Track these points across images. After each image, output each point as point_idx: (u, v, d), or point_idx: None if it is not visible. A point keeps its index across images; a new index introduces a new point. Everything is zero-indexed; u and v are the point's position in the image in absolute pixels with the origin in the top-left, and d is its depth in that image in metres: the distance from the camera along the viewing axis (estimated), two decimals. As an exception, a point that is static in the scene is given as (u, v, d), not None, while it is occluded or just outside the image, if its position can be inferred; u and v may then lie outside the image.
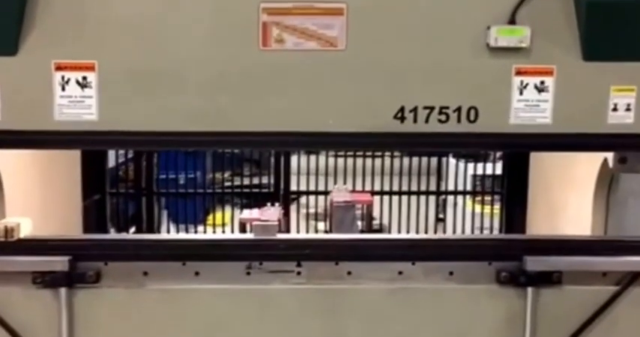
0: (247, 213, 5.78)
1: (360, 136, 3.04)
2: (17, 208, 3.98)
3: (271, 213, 5.28)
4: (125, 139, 3.07)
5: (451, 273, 3.15)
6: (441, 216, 8.73)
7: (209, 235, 6.16)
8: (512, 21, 2.92)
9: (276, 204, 6.06)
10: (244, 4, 2.91)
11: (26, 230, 3.17)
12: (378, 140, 3.08)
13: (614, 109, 3.00)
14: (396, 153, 8.04)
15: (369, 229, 6.74)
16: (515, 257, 3.11)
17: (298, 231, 7.74)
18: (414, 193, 7.68)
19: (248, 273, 3.11)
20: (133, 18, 2.92)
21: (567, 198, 5.06)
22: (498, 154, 8.29)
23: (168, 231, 7.18)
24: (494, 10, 2.92)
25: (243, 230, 5.56)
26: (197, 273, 3.11)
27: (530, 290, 3.09)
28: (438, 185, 8.33)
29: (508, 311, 3.12)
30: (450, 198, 8.41)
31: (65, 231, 4.86)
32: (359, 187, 7.58)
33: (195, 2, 2.93)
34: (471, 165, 8.06)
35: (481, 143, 3.19)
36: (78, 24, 2.91)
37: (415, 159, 7.89)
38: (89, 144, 3.37)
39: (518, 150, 5.26)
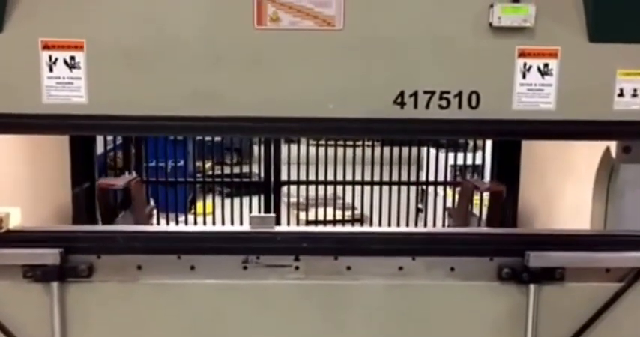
0: (105, 179, 5.77)
1: (360, 122, 2.94)
2: (5, 197, 3.87)
3: (125, 178, 5.73)
4: (117, 124, 2.94)
5: (452, 269, 3.09)
6: (420, 206, 8.66)
7: (204, 227, 6.06)
8: None
9: (133, 173, 6.25)
10: None
11: (15, 220, 3.07)
12: (379, 126, 2.97)
13: (620, 95, 2.93)
14: (377, 143, 7.95)
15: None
16: (516, 253, 3.05)
17: (287, 223, 7.69)
18: (395, 183, 7.60)
19: (245, 268, 3.05)
20: None
21: (564, 187, 5.00)
22: (478, 143, 8.26)
23: (158, 222, 7.06)
24: None
25: (102, 195, 5.38)
26: (192, 267, 3.04)
27: (532, 287, 3.04)
28: (418, 175, 8.26)
29: (510, 308, 3.08)
30: (430, 188, 8.31)
31: (56, 221, 4.77)
32: (339, 177, 7.47)
33: None
34: (451, 155, 8.01)
35: (482, 130, 3.12)
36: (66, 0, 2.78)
37: (396, 149, 7.77)
38: (79, 129, 3.23)
39: (520, 138, 5.20)
